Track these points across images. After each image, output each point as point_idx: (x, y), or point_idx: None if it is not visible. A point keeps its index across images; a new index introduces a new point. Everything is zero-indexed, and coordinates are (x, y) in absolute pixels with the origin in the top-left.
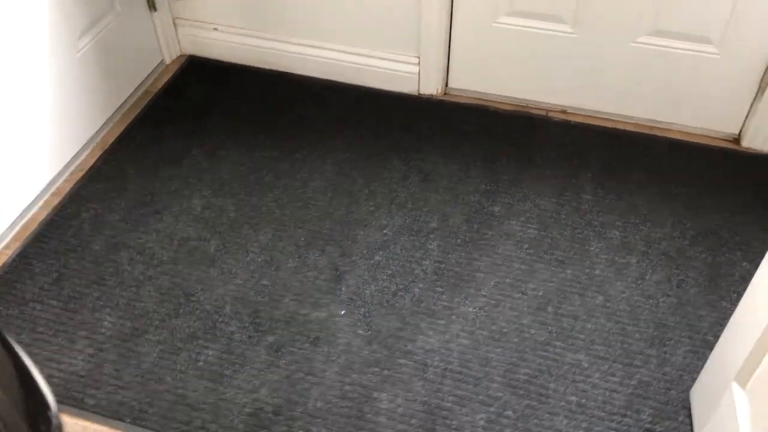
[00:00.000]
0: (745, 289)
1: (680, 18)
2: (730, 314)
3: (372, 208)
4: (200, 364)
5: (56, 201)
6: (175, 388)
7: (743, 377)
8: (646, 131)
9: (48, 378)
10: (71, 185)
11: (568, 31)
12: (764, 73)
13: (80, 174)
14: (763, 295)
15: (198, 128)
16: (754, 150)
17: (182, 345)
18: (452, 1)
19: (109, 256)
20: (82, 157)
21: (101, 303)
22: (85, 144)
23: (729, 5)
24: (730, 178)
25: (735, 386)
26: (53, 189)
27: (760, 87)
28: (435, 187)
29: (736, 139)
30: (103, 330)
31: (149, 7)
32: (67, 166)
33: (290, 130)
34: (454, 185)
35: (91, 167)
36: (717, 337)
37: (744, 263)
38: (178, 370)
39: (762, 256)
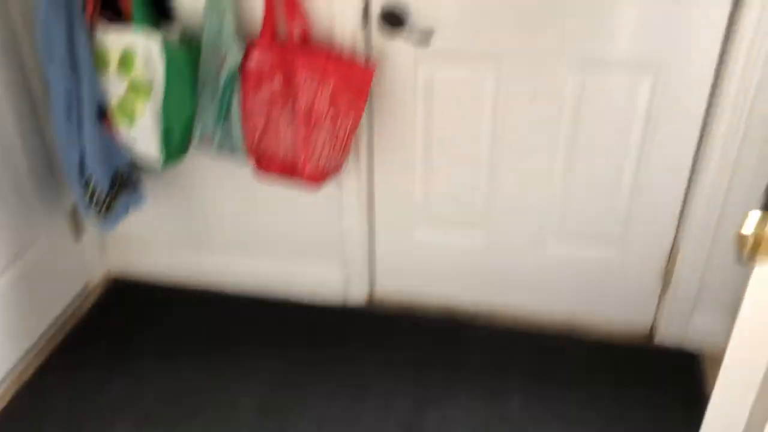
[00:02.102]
0: None
1: (582, 219)
2: None
3: (303, 430)
4: None
5: None
6: None
7: None
8: (567, 331)
9: None
10: None
11: (481, 239)
12: (665, 267)
13: None
14: None
15: (122, 354)
16: (667, 345)
17: None
18: (374, 219)
19: None
20: None
21: None
22: (1, 379)
23: (624, 207)
24: (650, 375)
25: None
26: None
27: (664, 281)
28: (364, 404)
29: (650, 335)
30: None
31: (75, 233)
32: None
33: (218, 351)
34: (385, 402)
35: (8, 404)
36: None
37: None
38: None
39: None
